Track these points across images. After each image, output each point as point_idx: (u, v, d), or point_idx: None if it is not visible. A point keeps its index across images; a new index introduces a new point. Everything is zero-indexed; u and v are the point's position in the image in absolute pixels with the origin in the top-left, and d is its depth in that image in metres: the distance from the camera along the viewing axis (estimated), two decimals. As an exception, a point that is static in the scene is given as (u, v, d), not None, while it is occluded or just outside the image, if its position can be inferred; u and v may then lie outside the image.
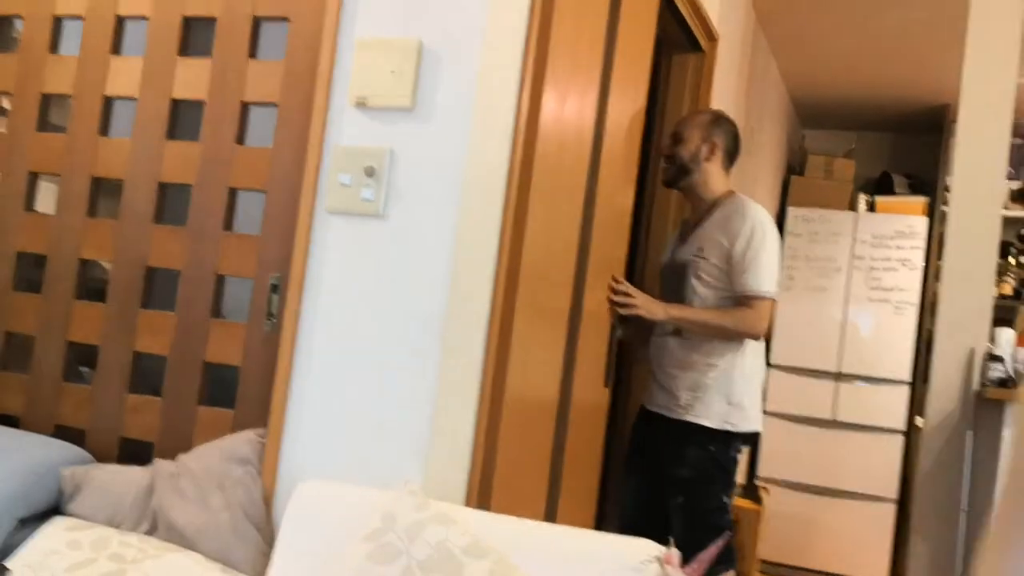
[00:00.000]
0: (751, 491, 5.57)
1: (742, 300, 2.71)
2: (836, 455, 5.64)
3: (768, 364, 5.77)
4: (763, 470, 5.76)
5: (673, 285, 2.87)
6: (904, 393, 5.52)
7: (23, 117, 2.19)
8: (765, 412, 5.76)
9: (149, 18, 2.07)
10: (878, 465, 5.54)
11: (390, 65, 1.78)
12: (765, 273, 2.71)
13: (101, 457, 2.03)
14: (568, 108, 2.21)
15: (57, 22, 2.20)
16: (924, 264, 5.49)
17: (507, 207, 1.93)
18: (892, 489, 5.49)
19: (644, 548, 1.57)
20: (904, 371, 5.53)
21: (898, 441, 5.51)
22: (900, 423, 5.51)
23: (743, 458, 5.66)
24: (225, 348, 1.96)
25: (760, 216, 2.77)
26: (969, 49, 3.46)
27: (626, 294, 2.65)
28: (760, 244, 2.71)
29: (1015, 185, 5.65)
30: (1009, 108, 3.40)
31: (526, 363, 2.11)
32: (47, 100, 2.20)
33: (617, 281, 2.65)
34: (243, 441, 1.86)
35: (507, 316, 1.97)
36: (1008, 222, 5.36)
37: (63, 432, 2.09)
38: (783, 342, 5.76)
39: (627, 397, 3.42)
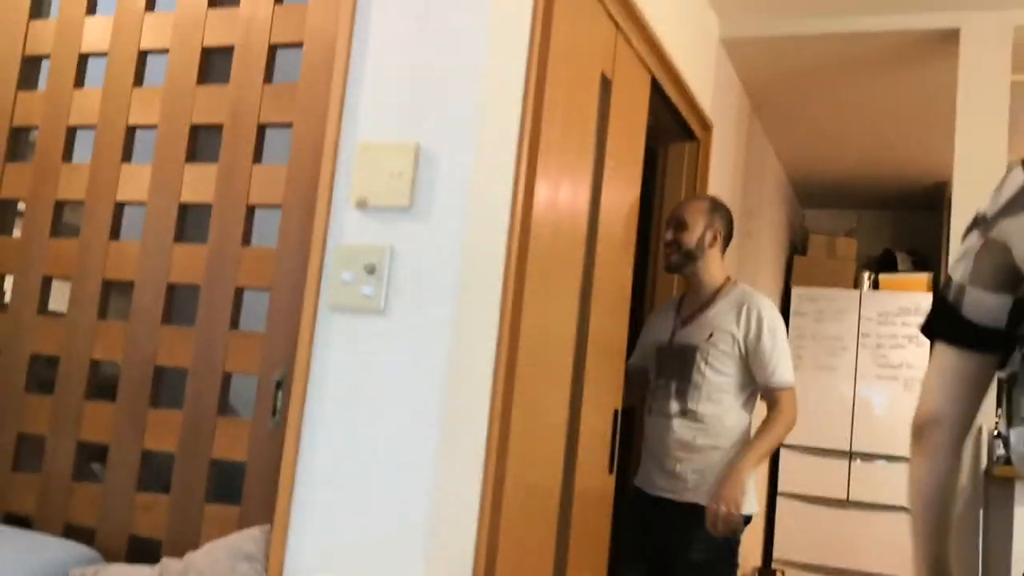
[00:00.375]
0: (767, 574, 5.49)
1: (774, 394, 2.86)
2: (852, 535, 5.57)
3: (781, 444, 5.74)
4: (778, 552, 5.68)
5: (675, 366, 2.90)
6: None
7: (37, 223, 2.27)
8: (779, 493, 5.72)
9: (158, 126, 2.16)
10: (894, 545, 5.47)
11: (389, 167, 1.86)
12: (785, 364, 2.86)
13: (110, 556, 2.05)
14: (562, 198, 2.27)
15: (71, 132, 2.29)
16: (931, 340, 5.50)
17: (504, 298, 1.99)
18: (909, 569, 5.41)
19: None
20: (917, 448, 5.49)
21: (914, 520, 5.45)
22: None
23: (759, 541, 5.59)
24: (231, 445, 1.99)
25: (769, 307, 2.90)
26: (959, 128, 3.54)
27: (727, 515, 2.70)
28: (778, 336, 2.85)
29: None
30: (1001, 185, 3.45)
31: (527, 455, 2.14)
32: (60, 206, 2.28)
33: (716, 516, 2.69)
34: (249, 538, 1.88)
35: (506, 408, 2.01)
36: (1013, 297, 5.38)
37: (73, 531, 2.11)
38: (793, 421, 5.73)
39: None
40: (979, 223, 1.25)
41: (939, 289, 1.31)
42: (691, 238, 2.92)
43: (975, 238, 1.24)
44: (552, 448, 2.32)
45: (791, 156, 5.48)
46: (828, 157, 5.46)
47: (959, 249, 1.27)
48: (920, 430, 1.27)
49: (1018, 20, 3.49)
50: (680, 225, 2.94)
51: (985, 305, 1.22)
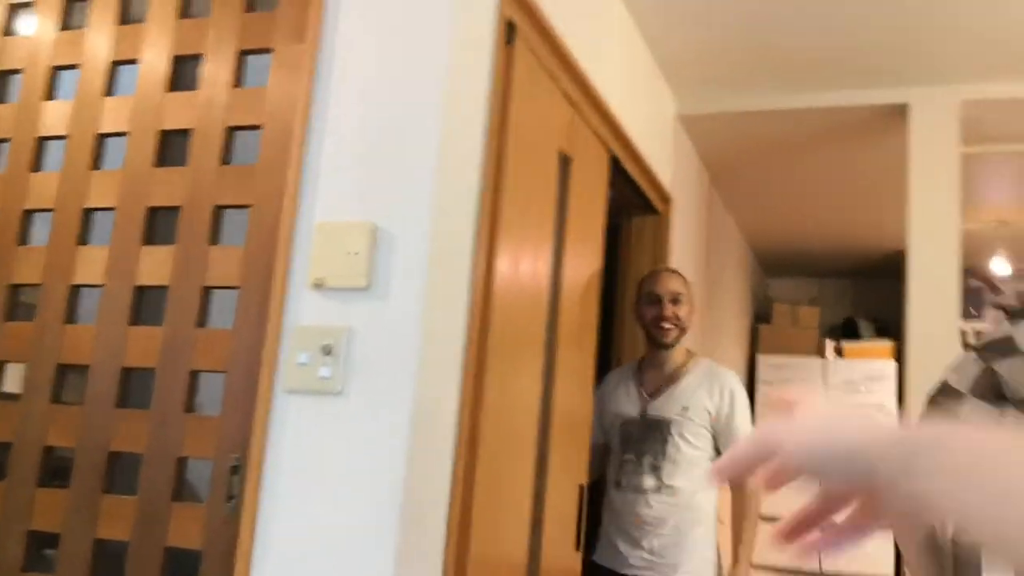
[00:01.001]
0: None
1: None
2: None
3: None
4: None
5: (647, 441, 2.89)
6: (890, 539, 5.45)
7: (-9, 307, 2.24)
8: (752, 565, 5.66)
9: (116, 208, 2.16)
10: (871, 553, 5.42)
11: (346, 247, 1.86)
12: None
13: (59, 650, 1.99)
14: (523, 275, 2.29)
15: (27, 214, 2.28)
16: (898, 407, 5.54)
17: (465, 376, 1.98)
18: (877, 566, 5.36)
19: None
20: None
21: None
22: (888, 570, 5.42)
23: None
24: (186, 531, 1.95)
25: (739, 382, 2.95)
26: (912, 199, 3.62)
27: None
28: (747, 414, 2.87)
29: (980, 326, 5.77)
30: (956, 252, 3.52)
31: (491, 536, 2.11)
32: (16, 288, 2.26)
33: None
34: (203, 627, 1.83)
35: (468, 488, 1.99)
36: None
37: (21, 625, 2.04)
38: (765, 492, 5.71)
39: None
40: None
41: None
42: (687, 312, 2.95)
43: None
44: (517, 527, 2.29)
45: (752, 227, 5.56)
46: (788, 227, 5.55)
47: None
48: None
49: (965, 95, 3.60)
50: (677, 299, 2.94)
51: None
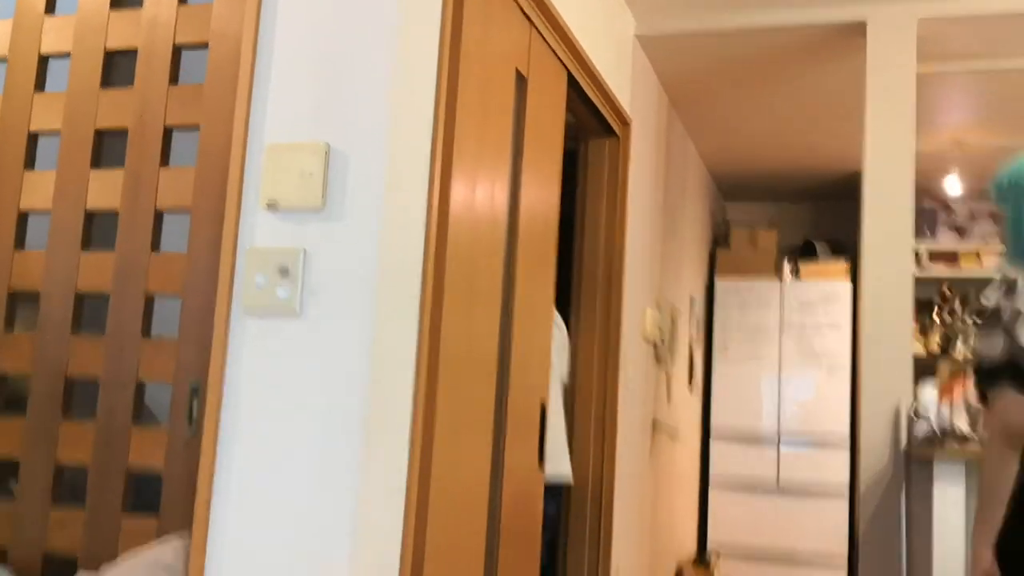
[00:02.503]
0: (702, 557, 5.58)
1: None
2: (784, 521, 5.68)
3: (709, 433, 5.84)
4: (713, 538, 5.77)
5: None
6: (845, 456, 5.60)
7: (-62, 235, 2.19)
8: (711, 482, 5.81)
9: (61, 131, 2.11)
10: (826, 529, 5.59)
11: (300, 167, 1.83)
12: None
13: (25, 574, 1.99)
14: (480, 196, 2.28)
15: (-29, 140, 2.22)
16: (852, 326, 5.64)
17: (424, 298, 1.98)
18: (842, 553, 5.53)
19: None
20: (843, 433, 5.62)
21: (843, 504, 5.57)
22: (843, 486, 5.58)
23: (694, 529, 5.68)
24: (147, 454, 1.95)
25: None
26: (869, 119, 3.63)
27: None
28: None
29: (933, 246, 5.88)
30: (910, 172, 3.55)
31: (452, 453, 2.13)
32: (-37, 217, 2.21)
33: None
34: (168, 549, 1.84)
35: (429, 406, 2.00)
36: (927, 282, 5.56)
37: (-16, 551, 2.05)
38: (722, 411, 5.84)
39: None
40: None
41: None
42: None
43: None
44: (479, 444, 2.32)
45: (711, 151, 5.56)
46: (747, 151, 5.56)
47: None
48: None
49: (922, 12, 3.59)
50: None
51: None
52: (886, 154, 3.60)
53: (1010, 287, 2.00)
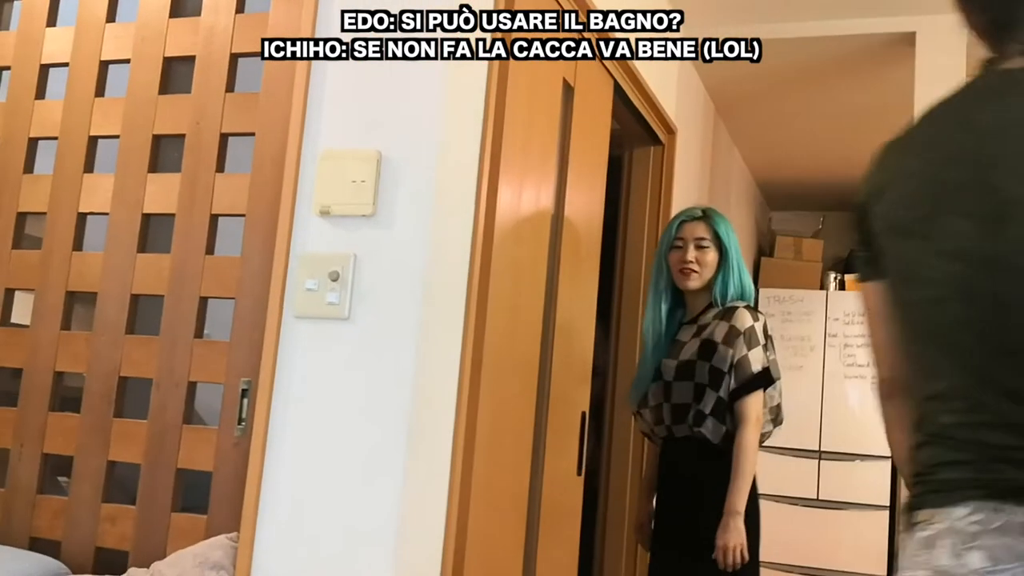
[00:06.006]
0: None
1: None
2: (823, 535, 5.62)
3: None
4: (751, 552, 5.72)
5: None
6: (886, 468, 5.53)
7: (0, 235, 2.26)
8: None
9: (120, 136, 2.16)
10: (865, 543, 5.52)
11: (352, 175, 1.86)
12: None
13: (77, 568, 2.04)
14: (525, 203, 2.29)
15: (32, 143, 2.28)
16: (896, 339, 5.57)
17: (469, 305, 2.00)
18: (881, 567, 5.46)
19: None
20: (884, 447, 5.55)
21: (884, 517, 5.50)
22: (884, 499, 5.51)
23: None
24: (198, 454, 1.99)
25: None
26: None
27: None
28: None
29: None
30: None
31: (493, 458, 2.15)
32: (23, 217, 2.27)
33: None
34: (216, 546, 1.88)
35: (472, 412, 2.02)
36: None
37: (39, 544, 2.10)
38: (763, 422, 5.78)
39: (606, 484, 3.44)
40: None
41: None
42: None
43: None
44: (520, 449, 2.34)
45: (757, 159, 5.53)
46: (793, 159, 5.52)
47: None
48: None
49: (973, 23, 3.55)
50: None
51: None
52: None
53: None
